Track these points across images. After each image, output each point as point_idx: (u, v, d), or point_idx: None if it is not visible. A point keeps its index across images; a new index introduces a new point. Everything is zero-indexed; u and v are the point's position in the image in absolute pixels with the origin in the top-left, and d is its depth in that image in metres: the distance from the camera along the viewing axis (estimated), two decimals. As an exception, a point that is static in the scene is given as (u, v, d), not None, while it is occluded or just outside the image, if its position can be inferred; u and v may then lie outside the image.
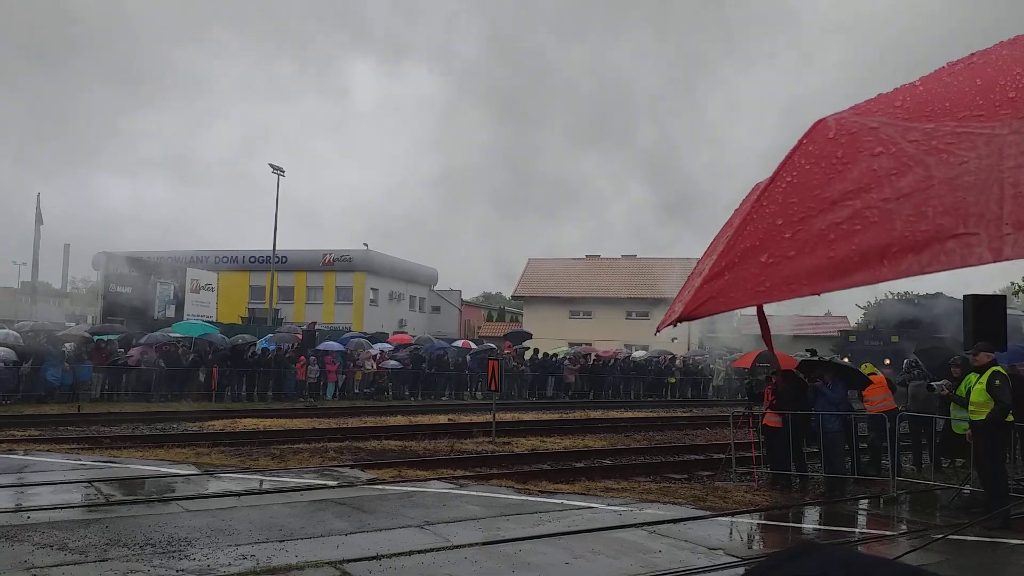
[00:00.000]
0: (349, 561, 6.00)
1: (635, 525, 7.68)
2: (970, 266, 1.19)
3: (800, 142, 1.54)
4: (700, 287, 1.51)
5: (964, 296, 12.37)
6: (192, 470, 10.34)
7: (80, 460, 10.89)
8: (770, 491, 10.40)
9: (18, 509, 7.66)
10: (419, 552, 6.33)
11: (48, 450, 11.95)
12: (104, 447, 12.68)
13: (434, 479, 10.14)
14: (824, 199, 1.41)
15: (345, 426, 16.29)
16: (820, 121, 1.56)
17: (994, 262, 1.19)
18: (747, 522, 8.40)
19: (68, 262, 57.70)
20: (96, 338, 23.15)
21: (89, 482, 9.13)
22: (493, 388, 15.73)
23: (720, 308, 1.46)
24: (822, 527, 8.61)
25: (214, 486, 9.27)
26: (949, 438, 11.13)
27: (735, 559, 6.59)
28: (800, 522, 8.96)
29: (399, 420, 17.90)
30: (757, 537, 8.10)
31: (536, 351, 31.56)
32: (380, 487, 9.43)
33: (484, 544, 6.65)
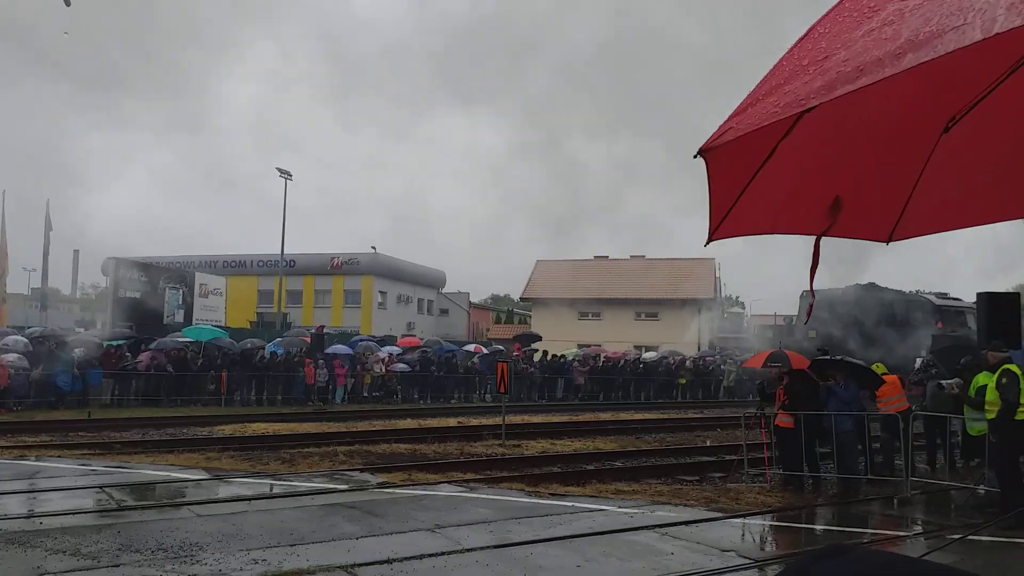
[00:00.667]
0: (360, 565, 5.98)
1: (647, 527, 7.63)
2: (963, 46, 1.25)
3: (840, 1, 1.63)
4: (723, 123, 1.58)
5: (978, 294, 12.28)
6: (202, 475, 10.35)
7: (91, 465, 10.90)
8: (783, 492, 10.33)
9: (31, 515, 7.67)
10: (430, 556, 6.31)
11: (59, 455, 11.98)
12: (115, 452, 12.71)
13: (444, 482, 10.11)
14: (849, 39, 1.49)
15: (354, 430, 16.29)
16: None
17: (984, 38, 1.25)
18: (760, 523, 8.34)
19: (78, 268, 58.04)
20: (106, 344, 23.24)
21: (100, 487, 9.14)
22: (502, 390, 15.71)
23: (738, 132, 1.53)
24: (835, 528, 8.54)
25: (224, 491, 9.27)
26: (968, 440, 11.07)
27: (748, 561, 6.54)
28: (813, 523, 8.89)
29: (408, 423, 17.89)
30: (770, 539, 8.04)
31: (545, 353, 31.55)
32: (390, 491, 9.40)
33: (495, 547, 6.62)
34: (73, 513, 7.71)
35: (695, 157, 1.63)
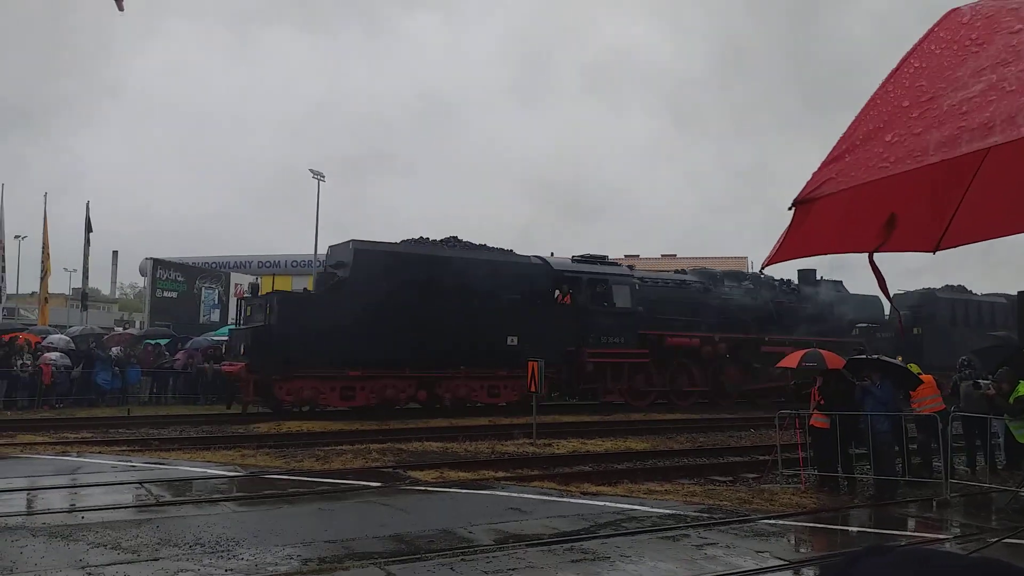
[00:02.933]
0: (394, 562, 6.03)
1: (679, 527, 7.60)
2: None
3: (931, 29, 1.52)
4: (818, 171, 1.49)
5: (1019, 292, 12.01)
6: (238, 471, 10.51)
7: (131, 462, 11.13)
8: (817, 494, 10.20)
9: (72, 509, 7.86)
10: (463, 551, 6.34)
11: (100, 452, 12.25)
12: (153, 449, 12.96)
13: (476, 480, 10.16)
14: (955, 79, 1.36)
15: (387, 427, 16.41)
16: (953, 9, 1.54)
17: None
18: (794, 524, 8.25)
19: (117, 268, 59.22)
20: (145, 342, 23.70)
21: (140, 483, 9.33)
22: (533, 389, 15.70)
23: (840, 186, 1.43)
24: (872, 530, 8.42)
25: (260, 487, 9.40)
26: (1012, 444, 10.86)
27: (783, 562, 6.48)
28: (849, 525, 8.77)
29: (440, 422, 17.97)
30: (805, 540, 7.95)
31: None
32: (422, 488, 9.47)
33: (528, 545, 6.63)
34: (114, 508, 7.88)
35: (789, 209, 1.56)
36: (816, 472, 10.78)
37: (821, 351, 11.55)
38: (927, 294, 28.63)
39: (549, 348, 19.63)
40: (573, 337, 21.24)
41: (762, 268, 2.10)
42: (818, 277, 27.00)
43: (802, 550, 7.52)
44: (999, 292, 30.09)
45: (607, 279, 22.27)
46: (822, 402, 10.64)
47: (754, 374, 24.32)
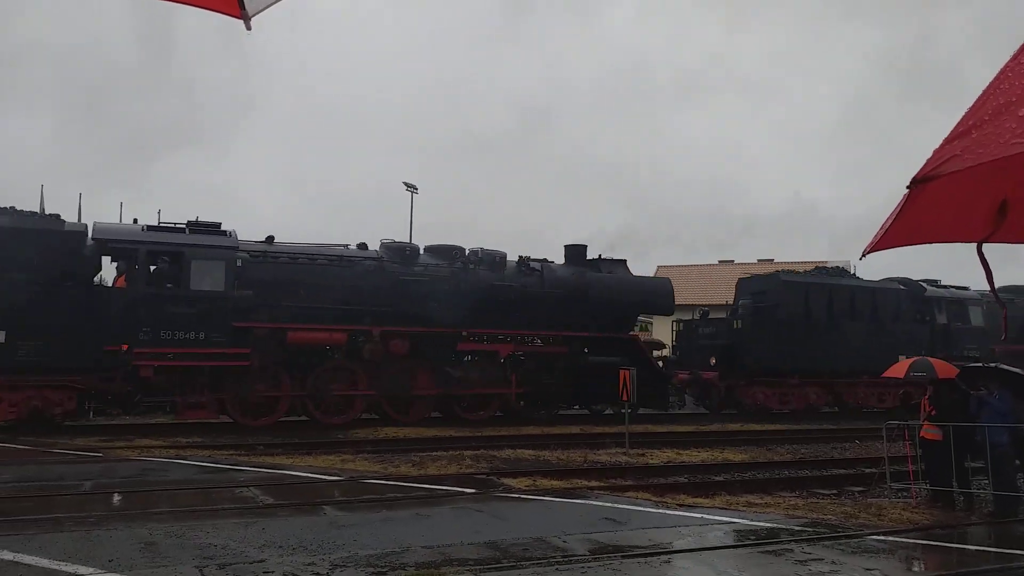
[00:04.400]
0: (489, 569, 6.07)
1: (781, 541, 7.34)
2: None
3: None
4: (940, 147, 1.37)
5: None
6: (338, 476, 10.81)
7: (238, 466, 11.61)
8: (930, 509, 9.68)
9: (184, 510, 8.26)
10: (558, 561, 6.32)
11: (209, 455, 12.85)
12: (258, 453, 13.49)
13: (569, 488, 10.12)
14: None
15: (480, 434, 16.56)
16: None
17: None
18: (905, 541, 7.84)
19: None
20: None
21: (246, 486, 9.73)
22: (625, 398, 15.54)
23: (966, 163, 1.31)
24: (992, 549, 7.91)
25: (359, 491, 9.64)
26: None
27: (894, 581, 6.17)
28: (966, 543, 8.26)
29: (532, 429, 18.02)
30: (918, 558, 7.54)
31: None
32: (516, 495, 9.50)
33: (624, 556, 6.55)
34: (223, 509, 8.24)
35: (908, 188, 1.46)
36: (928, 486, 10.23)
37: (931, 360, 10.98)
38: (771, 278, 24.83)
39: (68, 348, 15.18)
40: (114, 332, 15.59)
41: (863, 255, 2.02)
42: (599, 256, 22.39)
43: (914, 569, 7.14)
44: (901, 277, 26.79)
45: (182, 252, 16.37)
46: (934, 413, 10.12)
47: (445, 379, 18.90)
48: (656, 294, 22.65)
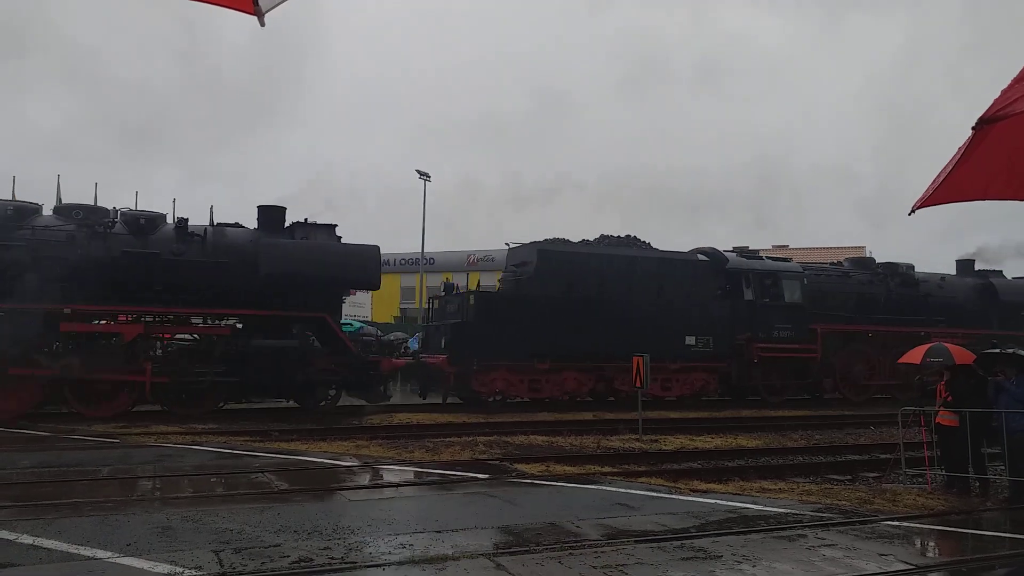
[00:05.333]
0: (503, 553, 6.09)
1: (796, 526, 7.33)
2: None
3: None
4: (1008, 88, 1.31)
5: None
6: (353, 461, 10.88)
7: (254, 452, 11.71)
8: (946, 495, 9.63)
9: (201, 495, 8.35)
10: (572, 545, 6.34)
11: (225, 441, 12.95)
12: (273, 439, 13.59)
13: (582, 474, 10.13)
14: None
15: (493, 420, 16.61)
16: None
17: None
18: (921, 527, 7.81)
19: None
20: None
21: (262, 471, 9.81)
22: (639, 385, 15.53)
23: None
24: (1008, 535, 7.86)
25: (373, 477, 9.70)
26: None
27: (909, 566, 6.15)
28: (982, 529, 8.22)
29: (545, 416, 18.05)
30: (933, 543, 7.51)
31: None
32: (529, 481, 9.53)
33: (637, 541, 6.56)
34: (239, 494, 8.32)
35: (973, 129, 1.41)
36: (944, 472, 10.18)
37: (948, 345, 10.89)
38: (531, 247, 20.91)
39: None
40: None
41: (912, 211, 1.96)
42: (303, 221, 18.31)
43: (929, 554, 7.11)
44: (707, 247, 23.56)
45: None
46: (950, 399, 10.04)
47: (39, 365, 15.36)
48: (348, 266, 17.92)
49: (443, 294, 22.25)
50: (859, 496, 9.31)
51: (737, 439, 15.24)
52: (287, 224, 18.19)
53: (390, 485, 9.05)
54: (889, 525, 7.60)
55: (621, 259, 21.14)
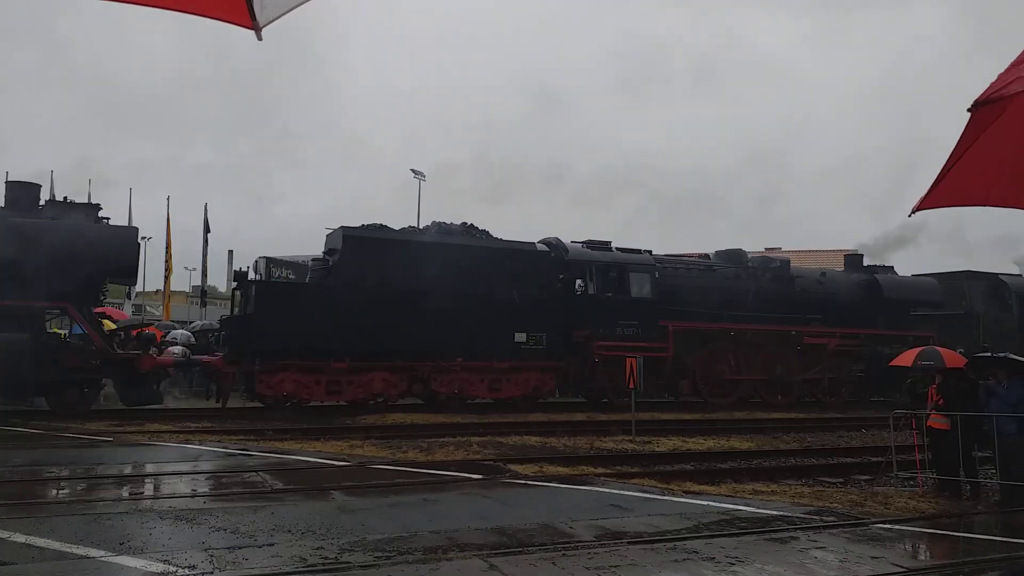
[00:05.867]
0: (497, 554, 6.11)
1: (789, 528, 7.37)
2: None
3: None
4: (1005, 71, 1.30)
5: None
6: (347, 461, 10.88)
7: (248, 451, 11.70)
8: (937, 498, 9.69)
9: (194, 495, 8.34)
10: (565, 546, 6.36)
11: (219, 440, 12.94)
12: (268, 439, 13.58)
13: (575, 475, 10.16)
14: None
15: (487, 421, 16.62)
16: None
17: None
18: (912, 530, 7.85)
19: (232, 267, 62.20)
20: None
21: (256, 471, 9.81)
22: (631, 386, 15.56)
23: None
24: (999, 538, 7.92)
25: (367, 476, 9.70)
26: None
27: (900, 569, 6.18)
28: (973, 532, 8.28)
29: (538, 416, 18.07)
30: (924, 546, 7.56)
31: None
32: (522, 481, 9.55)
33: (630, 543, 6.58)
34: (232, 494, 8.31)
35: (969, 111, 1.39)
36: (935, 475, 10.23)
37: (939, 349, 10.96)
38: (338, 233, 18.95)
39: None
40: None
41: (912, 212, 1.97)
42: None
43: (921, 557, 7.15)
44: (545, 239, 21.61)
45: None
46: (941, 402, 10.10)
47: None
48: (97, 249, 15.77)
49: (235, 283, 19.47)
50: (851, 499, 9.35)
51: (730, 441, 15.29)
52: (42, 203, 16.52)
53: (384, 485, 9.05)
54: (881, 528, 7.65)
55: (441, 248, 18.55)
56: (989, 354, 10.83)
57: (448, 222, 20.12)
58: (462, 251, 18.94)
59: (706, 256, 24.61)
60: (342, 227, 18.67)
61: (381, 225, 19.39)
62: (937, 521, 8.40)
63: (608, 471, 10.90)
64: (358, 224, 19.01)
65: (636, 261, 21.37)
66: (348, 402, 18.06)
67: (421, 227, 20.32)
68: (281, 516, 7.21)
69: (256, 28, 2.36)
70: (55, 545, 5.98)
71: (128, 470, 9.85)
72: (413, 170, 38.74)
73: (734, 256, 23.85)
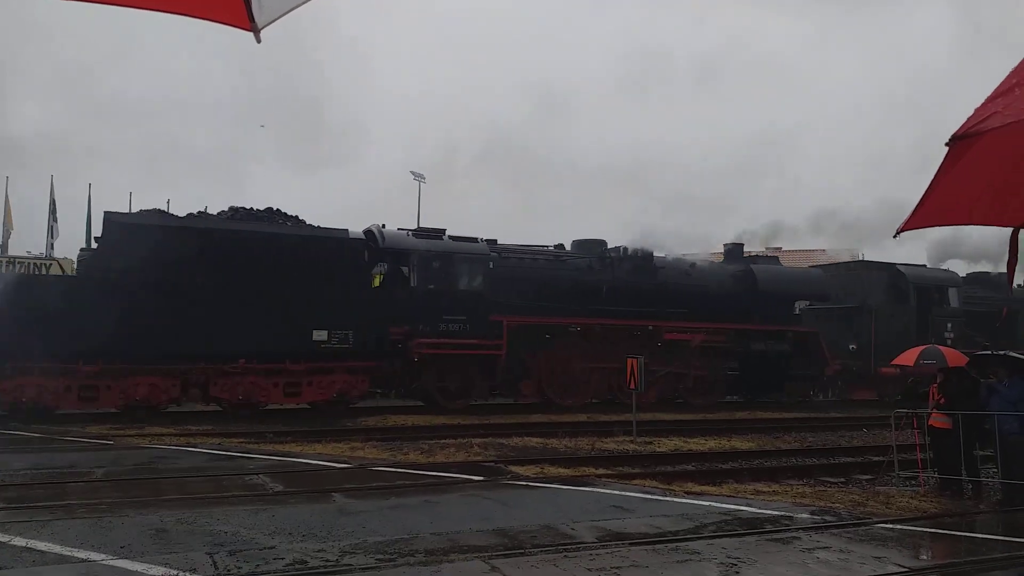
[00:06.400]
0: (498, 556, 6.10)
1: (791, 528, 7.35)
2: None
3: None
4: (982, 105, 1.34)
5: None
6: (347, 463, 10.86)
7: (248, 454, 11.68)
8: (938, 497, 9.68)
9: (194, 497, 8.32)
10: (566, 548, 6.35)
11: (219, 443, 12.92)
12: (268, 441, 13.57)
13: (576, 476, 10.15)
14: None
15: (487, 422, 16.61)
16: None
17: None
18: (914, 530, 7.84)
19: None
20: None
21: (256, 473, 9.79)
22: (633, 386, 15.55)
23: (1007, 119, 1.28)
24: (1001, 538, 7.91)
25: (368, 478, 9.69)
26: None
27: (903, 568, 6.17)
28: (975, 531, 8.27)
29: (539, 417, 18.06)
30: (926, 546, 7.54)
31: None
32: (524, 483, 9.53)
33: (632, 544, 6.57)
34: (234, 496, 8.30)
35: (946, 145, 1.42)
36: (937, 475, 10.22)
37: (941, 347, 10.96)
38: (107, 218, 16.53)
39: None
40: None
41: (896, 234, 1.98)
42: None
43: (923, 557, 7.14)
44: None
45: None
46: (943, 401, 10.10)
47: None
48: None
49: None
50: (853, 498, 9.34)
51: (731, 441, 15.28)
52: None
53: (384, 487, 9.04)
54: (883, 527, 7.63)
55: (224, 235, 16.53)
56: (990, 352, 10.83)
57: (251, 207, 17.89)
58: (250, 238, 16.77)
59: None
60: (107, 212, 16.45)
61: (158, 211, 17.45)
62: (939, 521, 8.39)
63: (609, 472, 10.89)
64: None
65: (466, 250, 19.25)
66: (119, 409, 15.86)
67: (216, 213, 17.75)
68: (282, 518, 7.19)
69: (255, 30, 2.35)
70: (56, 549, 5.97)
71: (128, 473, 9.83)
72: (413, 172, 38.72)
73: (591, 246, 21.76)
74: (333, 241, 17.65)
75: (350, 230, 18.34)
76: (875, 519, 7.99)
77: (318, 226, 18.07)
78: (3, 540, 6.19)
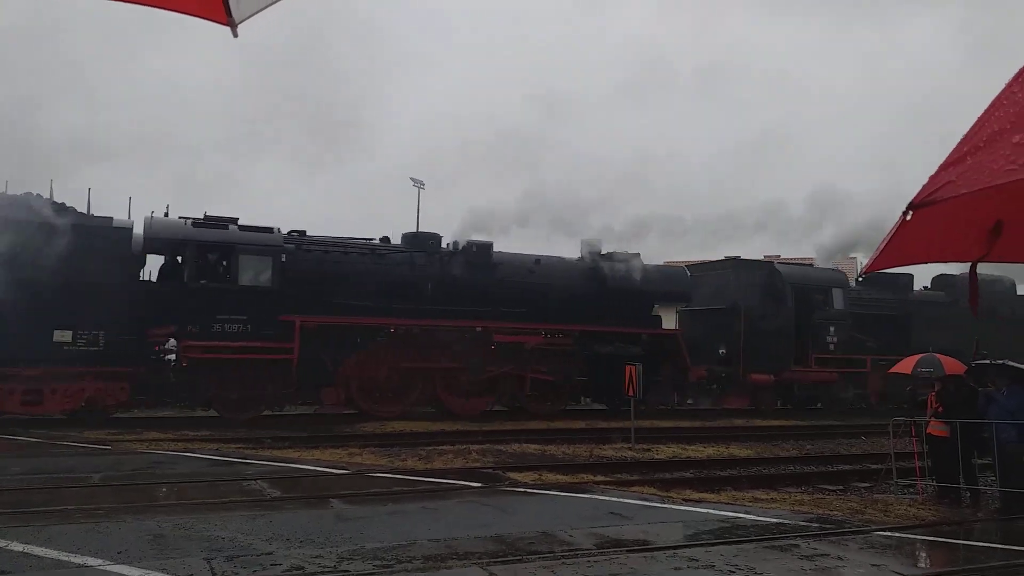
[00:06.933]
0: (496, 562, 6.09)
1: (789, 536, 7.35)
2: None
3: None
4: (936, 174, 1.39)
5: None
6: (345, 469, 10.85)
7: (246, 460, 11.67)
8: (936, 505, 9.68)
9: (192, 503, 8.31)
10: (564, 555, 6.34)
11: (217, 448, 12.91)
12: (266, 446, 13.55)
13: (574, 483, 10.14)
14: None
15: (486, 429, 16.60)
16: None
17: None
18: (913, 537, 7.83)
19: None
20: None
21: (254, 479, 9.78)
22: (631, 394, 15.55)
23: (960, 189, 1.33)
24: (999, 546, 7.90)
25: (366, 484, 9.68)
26: None
27: (900, 577, 6.17)
28: (973, 539, 8.26)
29: (537, 424, 18.05)
30: (925, 554, 7.53)
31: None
32: (522, 489, 9.52)
33: (630, 551, 6.57)
34: (231, 502, 8.28)
35: (904, 213, 1.47)
36: (935, 483, 10.23)
37: (939, 356, 10.97)
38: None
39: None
40: None
41: (860, 275, 2.03)
42: None
43: (921, 565, 7.13)
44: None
45: None
46: (940, 409, 10.10)
47: None
48: None
49: None
50: (851, 506, 9.34)
51: (729, 448, 15.27)
52: None
53: (382, 493, 9.03)
54: (881, 535, 7.63)
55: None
56: (988, 361, 10.85)
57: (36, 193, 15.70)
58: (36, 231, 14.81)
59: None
60: None
61: None
62: (937, 528, 8.39)
63: (607, 479, 10.89)
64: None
65: (251, 241, 16.96)
66: None
67: None
68: (279, 524, 7.18)
69: (232, 24, 2.34)
70: (53, 554, 5.96)
71: (125, 478, 9.81)
72: (412, 178, 38.71)
73: (423, 240, 19.55)
74: (84, 229, 15.44)
75: (116, 218, 16.30)
76: (873, 527, 7.98)
77: (82, 212, 15.93)
78: (1, 545, 6.18)
